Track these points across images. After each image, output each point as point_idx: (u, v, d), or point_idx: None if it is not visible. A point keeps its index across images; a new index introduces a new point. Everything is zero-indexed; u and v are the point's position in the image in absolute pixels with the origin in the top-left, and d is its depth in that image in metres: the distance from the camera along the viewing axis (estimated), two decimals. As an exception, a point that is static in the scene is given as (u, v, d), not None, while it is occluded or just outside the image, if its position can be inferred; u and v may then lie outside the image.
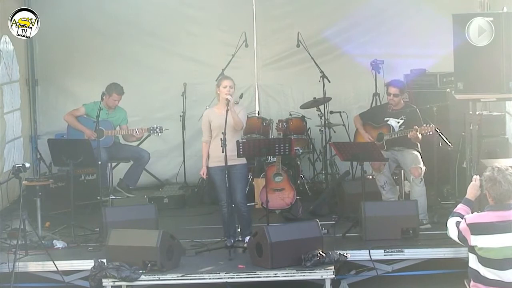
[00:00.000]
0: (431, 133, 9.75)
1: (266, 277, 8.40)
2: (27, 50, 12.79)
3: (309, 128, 12.25)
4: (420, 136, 9.76)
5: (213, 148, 9.23)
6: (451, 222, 6.40)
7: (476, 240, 6.17)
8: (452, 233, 6.37)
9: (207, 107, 11.97)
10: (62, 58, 12.92)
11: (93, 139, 10.69)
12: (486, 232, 6.15)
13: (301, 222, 9.88)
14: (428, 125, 9.75)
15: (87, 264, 8.74)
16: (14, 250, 8.73)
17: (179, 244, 8.80)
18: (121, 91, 11.36)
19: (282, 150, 9.46)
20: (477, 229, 6.17)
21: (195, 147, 12.65)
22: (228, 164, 9.01)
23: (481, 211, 6.38)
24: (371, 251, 8.79)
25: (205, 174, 9.42)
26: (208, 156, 9.31)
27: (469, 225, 6.20)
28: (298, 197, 10.91)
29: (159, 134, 11.50)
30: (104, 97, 11.03)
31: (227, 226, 9.34)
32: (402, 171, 10.25)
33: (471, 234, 6.19)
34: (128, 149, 11.57)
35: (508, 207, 6.18)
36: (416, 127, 9.73)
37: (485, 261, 6.18)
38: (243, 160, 9.29)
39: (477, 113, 9.58)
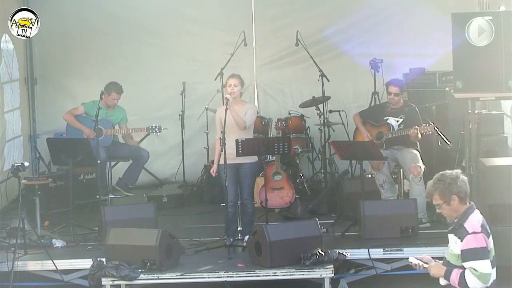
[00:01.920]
0: (430, 132, 9.75)
1: (265, 276, 8.40)
2: (26, 49, 12.77)
3: (308, 127, 12.24)
4: (420, 135, 9.76)
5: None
6: (467, 276, 5.86)
7: (491, 241, 5.86)
8: (478, 267, 5.77)
9: (206, 106, 12.03)
10: (61, 57, 12.90)
11: (92, 138, 10.67)
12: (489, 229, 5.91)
13: (300, 221, 9.86)
14: (427, 125, 9.75)
15: (86, 263, 8.73)
16: (13, 249, 8.72)
17: (178, 243, 8.79)
18: (120, 90, 11.34)
19: (281, 149, 9.47)
20: (486, 229, 5.87)
21: (194, 146, 12.65)
22: (238, 162, 9.11)
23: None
24: (370, 250, 8.79)
25: (214, 171, 9.40)
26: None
27: (482, 230, 5.82)
28: (297, 196, 10.89)
29: (158, 133, 11.48)
30: (103, 96, 11.04)
31: (228, 225, 9.34)
32: (401, 170, 10.26)
33: (488, 238, 5.85)
34: (127, 148, 11.55)
35: (474, 207, 5.94)
36: (416, 126, 9.74)
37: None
38: (253, 158, 9.32)
39: (476, 112, 9.56)
